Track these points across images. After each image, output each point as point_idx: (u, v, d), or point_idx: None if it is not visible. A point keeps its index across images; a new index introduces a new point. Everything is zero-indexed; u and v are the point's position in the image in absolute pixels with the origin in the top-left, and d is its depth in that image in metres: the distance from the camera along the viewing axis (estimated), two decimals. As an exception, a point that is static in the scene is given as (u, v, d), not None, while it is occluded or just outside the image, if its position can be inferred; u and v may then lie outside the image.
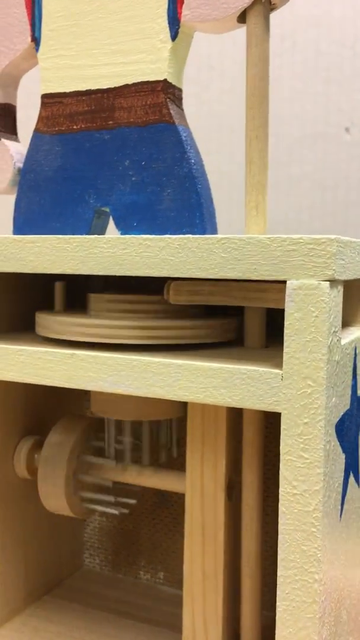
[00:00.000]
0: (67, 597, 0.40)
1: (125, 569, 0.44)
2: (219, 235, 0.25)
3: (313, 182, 0.69)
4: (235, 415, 0.32)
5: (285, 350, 0.24)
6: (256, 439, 0.31)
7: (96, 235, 0.27)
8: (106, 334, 0.29)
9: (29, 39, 0.33)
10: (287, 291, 0.23)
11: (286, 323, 0.24)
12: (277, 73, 0.64)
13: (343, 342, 0.26)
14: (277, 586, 0.25)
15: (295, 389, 0.24)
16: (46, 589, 0.41)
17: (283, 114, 0.72)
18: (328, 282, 0.23)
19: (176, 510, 0.41)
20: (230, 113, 0.68)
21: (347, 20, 0.66)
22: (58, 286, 0.34)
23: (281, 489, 0.24)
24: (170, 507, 0.42)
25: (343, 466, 0.27)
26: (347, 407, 0.27)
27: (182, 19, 0.29)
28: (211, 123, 0.68)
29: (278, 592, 0.25)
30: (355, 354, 0.28)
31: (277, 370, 0.24)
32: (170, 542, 0.42)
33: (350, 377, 0.28)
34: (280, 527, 0.24)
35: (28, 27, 0.33)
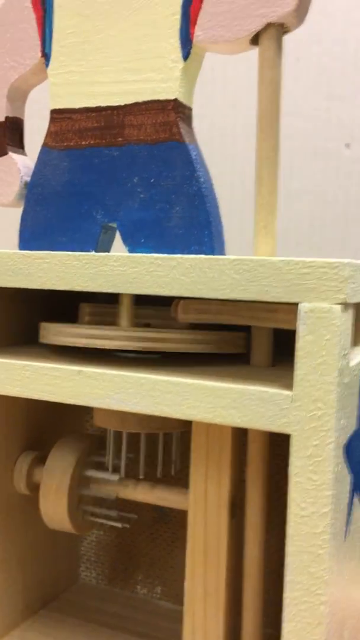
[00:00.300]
0: (64, 611, 0.40)
1: (122, 583, 0.43)
2: (231, 257, 0.25)
3: (313, 196, 0.70)
4: (240, 432, 0.32)
5: (295, 372, 0.24)
6: (261, 457, 0.32)
7: (106, 253, 0.27)
8: (109, 342, 0.29)
9: (39, 54, 0.33)
10: (299, 314, 0.24)
11: (297, 345, 0.24)
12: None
13: (351, 364, 0.26)
14: (283, 607, 0.25)
15: (305, 411, 0.24)
16: (43, 603, 0.40)
17: (284, 128, 0.73)
18: (340, 306, 0.23)
19: (174, 525, 0.41)
20: (234, 126, 0.69)
21: (349, 37, 0.67)
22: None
23: (289, 511, 0.24)
24: (168, 522, 0.41)
25: (349, 487, 0.27)
26: (354, 427, 0.27)
27: (195, 40, 0.29)
28: (213, 134, 0.68)
29: (284, 614, 0.25)
30: (361, 375, 0.29)
31: (287, 392, 0.24)
32: (168, 557, 0.42)
33: (357, 398, 0.28)
34: (288, 549, 0.24)
35: (38, 43, 0.33)
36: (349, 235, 0.68)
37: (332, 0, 0.66)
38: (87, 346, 0.29)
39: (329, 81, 0.69)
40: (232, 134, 0.68)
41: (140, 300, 0.34)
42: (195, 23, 0.29)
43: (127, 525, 0.36)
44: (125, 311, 0.31)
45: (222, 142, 0.68)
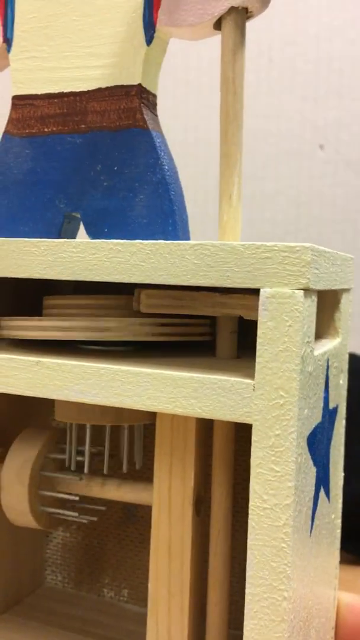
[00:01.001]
0: (27, 615, 0.39)
1: (89, 586, 0.42)
2: (191, 242, 0.24)
3: (287, 197, 0.70)
4: (205, 427, 0.31)
5: (257, 360, 0.23)
6: (226, 451, 0.31)
7: (65, 239, 0.26)
8: (63, 329, 0.28)
9: (1, 39, 0.32)
10: (261, 299, 0.23)
11: (259, 332, 0.23)
12: (252, 90, 0.64)
13: (316, 353, 0.25)
14: (245, 604, 0.24)
15: (267, 399, 0.23)
16: (5, 607, 0.39)
17: (258, 130, 0.73)
18: (302, 291, 0.23)
19: (142, 526, 0.40)
20: (209, 127, 0.68)
21: (323, 39, 0.67)
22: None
23: (251, 503, 0.24)
24: (136, 522, 0.40)
25: (314, 480, 0.26)
26: (319, 420, 0.27)
27: (158, 24, 0.29)
28: (187, 136, 0.68)
29: (246, 610, 0.24)
30: (328, 366, 0.28)
31: (248, 381, 0.24)
32: (135, 558, 0.41)
33: (322, 390, 0.27)
34: (249, 543, 0.24)
35: (0, 28, 0.32)
36: (323, 237, 0.68)
37: (306, 1, 0.66)
38: (38, 338, 0.29)
39: (302, 83, 0.69)
40: (215, 125, 0.68)
41: (103, 290, 0.33)
42: (158, 7, 0.29)
43: (94, 518, 0.34)
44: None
45: (205, 133, 0.67)
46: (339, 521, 0.33)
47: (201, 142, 0.68)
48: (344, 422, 0.33)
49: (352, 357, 0.35)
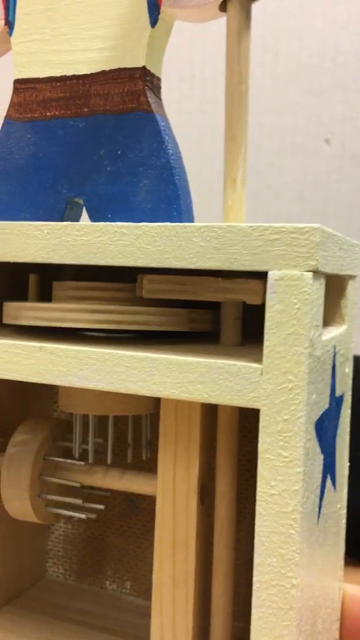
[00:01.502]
0: (29, 608, 0.38)
1: (91, 578, 0.42)
2: (198, 224, 0.24)
3: (292, 192, 0.69)
4: (209, 415, 0.31)
5: (265, 343, 0.23)
6: (230, 440, 0.30)
7: (69, 222, 0.26)
8: (72, 318, 0.28)
9: (2, 22, 0.32)
10: (269, 282, 0.23)
11: (267, 315, 0.23)
12: (258, 83, 0.64)
13: (323, 338, 0.25)
14: (253, 592, 0.24)
15: (275, 384, 0.23)
16: (6, 600, 0.39)
17: (263, 124, 0.72)
18: (311, 273, 0.22)
19: (145, 517, 0.40)
20: (212, 121, 0.68)
21: (328, 33, 0.67)
22: (32, 278, 0.33)
23: (259, 489, 0.23)
24: (138, 514, 0.40)
25: (321, 467, 0.26)
26: (326, 406, 0.26)
27: (162, 6, 0.28)
28: (191, 131, 0.67)
29: (253, 599, 0.24)
30: (334, 353, 0.28)
31: (256, 365, 0.23)
32: (138, 550, 0.40)
33: (330, 376, 0.27)
34: (257, 529, 0.23)
35: (2, 11, 0.32)
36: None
37: (311, -6, 0.66)
38: (44, 325, 0.28)
39: (308, 77, 0.69)
40: (219, 118, 0.67)
41: (105, 277, 0.32)
42: (163, -12, 0.28)
43: (93, 516, 0.34)
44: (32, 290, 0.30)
45: (209, 127, 0.67)
46: (344, 511, 0.33)
47: (206, 137, 0.67)
48: (349, 411, 0.33)
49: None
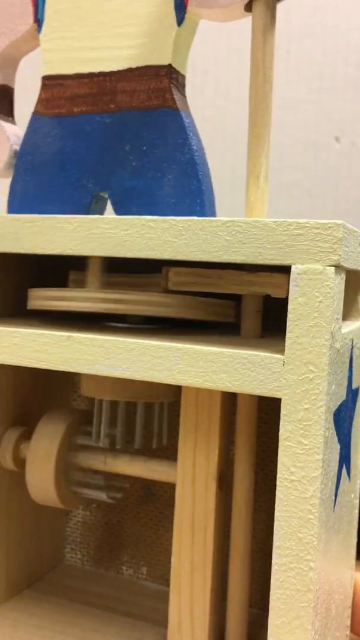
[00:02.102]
0: (48, 592, 0.39)
1: (108, 564, 0.43)
2: (224, 218, 0.25)
3: (302, 189, 0.70)
4: (229, 404, 0.32)
5: (287, 335, 0.24)
6: (250, 429, 0.31)
7: (98, 216, 0.27)
8: (105, 306, 0.28)
9: (32, 20, 0.32)
10: (292, 276, 0.23)
11: (290, 308, 0.23)
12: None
13: (343, 330, 0.26)
14: (272, 574, 0.24)
15: (296, 374, 0.24)
16: (27, 584, 0.40)
17: (275, 120, 0.73)
18: (333, 268, 0.23)
19: (161, 504, 0.41)
20: (225, 118, 0.69)
21: (340, 31, 0.67)
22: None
23: (279, 475, 0.24)
24: (155, 501, 0.41)
25: (338, 457, 0.27)
26: (344, 398, 0.27)
27: (189, 5, 0.29)
28: (203, 126, 0.68)
29: (272, 581, 0.24)
30: (352, 346, 0.28)
31: (278, 356, 0.24)
32: (154, 536, 0.41)
33: (347, 368, 0.28)
34: (277, 514, 0.24)
35: (30, 8, 0.32)
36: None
37: (324, -8, 0.66)
38: (69, 309, 0.29)
39: (319, 74, 0.69)
40: (231, 115, 0.68)
41: (130, 269, 0.33)
42: (189, -12, 0.29)
43: (117, 496, 0.35)
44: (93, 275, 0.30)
45: (221, 123, 0.67)
46: (357, 501, 0.34)
47: (218, 133, 0.68)
48: (364, 403, 0.34)
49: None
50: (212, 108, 0.69)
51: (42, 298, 0.30)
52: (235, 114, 0.71)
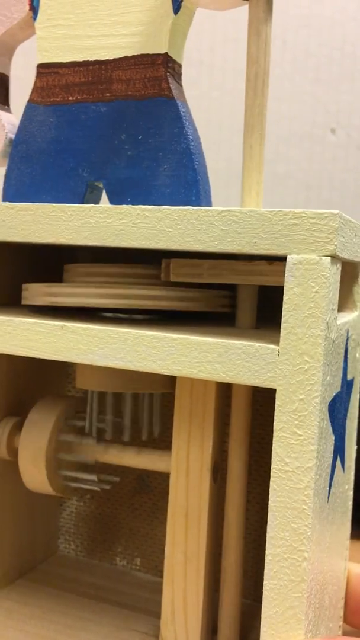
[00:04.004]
0: (42, 581, 0.40)
1: (101, 554, 0.43)
2: (219, 208, 0.24)
3: (297, 181, 0.70)
4: (223, 396, 0.32)
5: (283, 325, 0.24)
6: (244, 420, 0.31)
7: (92, 205, 0.27)
8: (92, 301, 0.28)
9: (27, 7, 0.32)
10: (288, 266, 0.23)
11: (285, 298, 0.23)
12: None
13: (339, 322, 0.26)
14: (265, 565, 0.24)
15: (291, 364, 0.23)
16: (20, 573, 0.40)
17: (270, 112, 0.73)
18: (329, 258, 0.23)
19: (155, 496, 0.41)
20: (220, 109, 0.68)
21: (337, 22, 0.67)
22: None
23: (273, 466, 0.24)
24: (149, 492, 0.41)
25: (332, 448, 0.27)
26: (339, 389, 0.27)
27: (186, -7, 0.29)
28: (199, 118, 0.67)
29: (265, 571, 0.25)
30: (347, 337, 0.28)
31: (273, 346, 0.24)
32: (148, 528, 0.41)
33: (342, 360, 0.28)
34: (271, 505, 0.24)
35: (26, -5, 0.32)
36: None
37: (322, -17, 0.66)
38: (65, 305, 0.29)
39: (315, 66, 0.69)
40: (226, 106, 0.68)
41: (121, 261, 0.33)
42: (186, -24, 0.29)
43: (107, 487, 0.35)
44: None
45: (216, 114, 0.67)
46: (351, 493, 0.34)
47: (213, 123, 0.68)
48: (359, 395, 0.34)
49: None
50: (207, 99, 0.69)
51: (41, 294, 0.30)
52: (230, 104, 0.71)
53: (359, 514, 0.39)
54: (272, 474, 0.24)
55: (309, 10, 0.67)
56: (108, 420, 0.34)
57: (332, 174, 0.69)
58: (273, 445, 0.24)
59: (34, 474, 0.34)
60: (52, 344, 0.27)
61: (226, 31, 0.69)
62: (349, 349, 0.29)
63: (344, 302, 0.31)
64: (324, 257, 0.23)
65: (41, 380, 0.40)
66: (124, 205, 0.26)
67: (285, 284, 0.23)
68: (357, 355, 0.32)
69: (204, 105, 0.68)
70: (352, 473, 0.34)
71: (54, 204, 0.27)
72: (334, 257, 0.23)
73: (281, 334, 0.24)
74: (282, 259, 0.24)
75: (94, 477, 0.34)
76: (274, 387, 0.24)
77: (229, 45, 0.70)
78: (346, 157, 0.69)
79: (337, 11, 0.67)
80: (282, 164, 0.70)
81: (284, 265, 0.23)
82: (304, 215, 0.23)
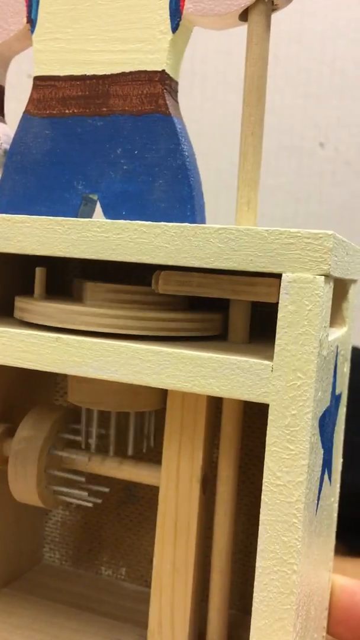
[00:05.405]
0: (27, 591, 0.39)
1: (87, 564, 0.43)
2: (216, 225, 0.25)
3: (287, 193, 0.70)
4: (214, 409, 0.32)
5: (277, 342, 0.24)
6: (234, 432, 0.32)
7: (89, 219, 0.27)
8: (95, 322, 0.28)
9: (25, 19, 0.32)
10: (282, 284, 0.24)
11: (279, 315, 0.24)
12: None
13: (329, 338, 0.26)
14: (255, 577, 0.25)
15: (285, 380, 0.24)
16: (4, 583, 0.40)
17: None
18: (323, 277, 0.23)
19: (142, 506, 0.41)
20: (211, 117, 0.69)
21: (327, 38, 0.68)
22: (39, 272, 0.33)
23: (265, 480, 0.24)
24: (136, 502, 0.41)
25: (321, 462, 0.27)
26: (328, 404, 0.28)
27: (184, 12, 0.29)
28: (190, 129, 0.68)
29: (255, 583, 0.25)
30: (337, 353, 0.29)
31: (267, 362, 0.24)
32: (134, 538, 0.42)
33: (332, 375, 0.28)
34: (262, 518, 0.25)
35: (24, 8, 0.32)
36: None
37: (313, 1, 0.67)
38: (58, 326, 0.29)
39: (306, 81, 0.70)
40: (218, 116, 0.68)
41: (120, 277, 0.33)
42: (185, -5, 0.29)
43: (99, 501, 0.35)
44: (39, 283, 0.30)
45: (208, 124, 0.68)
46: (336, 505, 0.35)
47: (204, 134, 0.68)
48: (345, 409, 0.34)
49: (353, 350, 0.36)
50: (199, 110, 0.70)
51: (43, 314, 0.29)
52: (222, 115, 0.71)
53: (344, 531, 0.39)
54: (263, 487, 0.24)
55: (301, 26, 0.68)
56: (98, 434, 0.34)
57: (320, 188, 0.70)
58: (265, 459, 0.24)
59: (24, 488, 0.34)
60: (47, 355, 0.28)
61: (219, 43, 0.70)
62: (338, 364, 0.30)
63: (333, 318, 0.32)
64: (318, 276, 0.23)
65: (30, 387, 0.40)
66: (122, 221, 0.26)
67: (279, 302, 0.24)
68: (345, 369, 0.33)
69: (195, 116, 0.69)
70: (338, 485, 0.34)
71: (51, 217, 0.28)
72: (327, 276, 0.24)
73: (275, 351, 0.24)
74: (276, 276, 0.25)
75: (84, 493, 0.34)
76: (267, 402, 0.24)
77: (221, 57, 0.71)
78: (334, 171, 0.70)
79: (328, 28, 0.68)
80: (272, 177, 0.71)
81: (276, 281, 0.24)
82: (299, 234, 0.24)
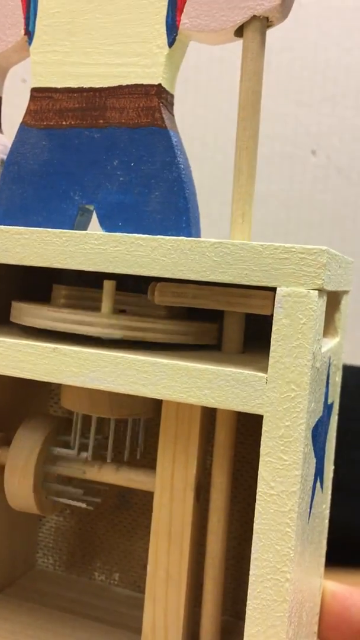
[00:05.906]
0: (21, 596, 0.40)
1: (80, 570, 0.43)
2: (212, 239, 0.25)
3: (278, 200, 0.71)
4: (209, 417, 0.33)
5: (271, 354, 0.24)
6: (228, 441, 0.32)
7: (87, 231, 0.27)
8: (90, 329, 0.29)
9: (22, 31, 0.33)
10: (277, 298, 0.24)
11: (274, 329, 0.24)
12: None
13: (322, 350, 0.27)
14: (249, 585, 0.25)
15: (279, 392, 0.24)
16: (-2, 588, 0.40)
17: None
18: (317, 291, 0.24)
19: (135, 512, 0.41)
20: (205, 126, 0.69)
21: (320, 47, 0.69)
22: (107, 285, 0.32)
23: (259, 489, 0.25)
24: (129, 508, 0.42)
25: (314, 470, 0.28)
26: (321, 413, 0.28)
27: (181, 27, 0.30)
28: (183, 135, 0.69)
29: (249, 591, 0.25)
30: (329, 364, 0.30)
31: (261, 374, 0.25)
32: (127, 543, 0.42)
33: (325, 385, 0.29)
34: (256, 527, 0.25)
35: (22, 20, 0.33)
36: (311, 241, 0.70)
37: (306, 8, 0.68)
38: (64, 331, 0.29)
39: (298, 88, 0.71)
40: (211, 123, 0.69)
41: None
42: (181, 11, 0.30)
43: (91, 508, 0.35)
44: (107, 297, 0.31)
45: (201, 131, 0.68)
46: (327, 512, 0.35)
47: (196, 141, 0.69)
48: (336, 417, 0.35)
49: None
50: (192, 116, 0.70)
51: (44, 318, 0.30)
52: (215, 121, 0.72)
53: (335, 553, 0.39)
54: (257, 497, 0.25)
55: (293, 34, 0.69)
56: (94, 439, 0.35)
57: (312, 195, 0.71)
58: (259, 469, 0.25)
59: (21, 495, 0.34)
60: (44, 365, 0.28)
61: (212, 50, 0.71)
62: (330, 374, 0.30)
63: (326, 329, 0.32)
64: (312, 291, 0.24)
65: (24, 396, 0.40)
66: (119, 233, 0.27)
67: (274, 315, 0.24)
68: (337, 379, 0.33)
69: (188, 123, 0.69)
70: (329, 492, 0.35)
71: (49, 229, 0.28)
72: (321, 290, 0.24)
73: (269, 363, 0.25)
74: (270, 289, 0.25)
75: (82, 505, 0.35)
76: (261, 414, 0.25)
77: (214, 64, 0.71)
78: (326, 179, 0.71)
79: (321, 36, 0.69)
80: (264, 183, 0.72)
81: (269, 294, 0.24)
82: (293, 250, 0.24)
